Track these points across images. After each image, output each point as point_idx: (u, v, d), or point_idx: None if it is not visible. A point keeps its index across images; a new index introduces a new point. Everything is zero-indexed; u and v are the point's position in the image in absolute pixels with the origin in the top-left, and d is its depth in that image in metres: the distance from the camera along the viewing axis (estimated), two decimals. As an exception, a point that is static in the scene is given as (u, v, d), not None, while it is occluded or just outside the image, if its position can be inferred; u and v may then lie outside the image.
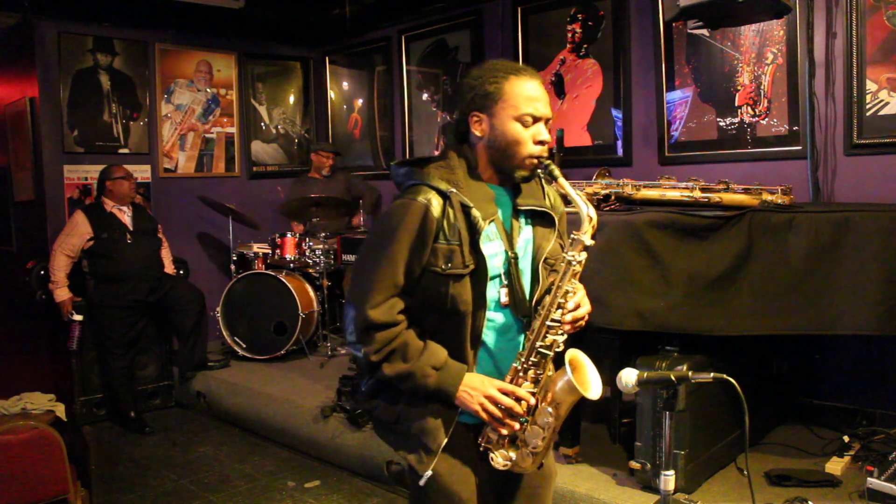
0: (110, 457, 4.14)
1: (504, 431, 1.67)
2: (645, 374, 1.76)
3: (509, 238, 1.72)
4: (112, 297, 4.59)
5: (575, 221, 1.76)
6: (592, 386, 1.68)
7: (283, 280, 5.13)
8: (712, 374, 1.71)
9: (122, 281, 4.61)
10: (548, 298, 1.69)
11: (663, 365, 2.77)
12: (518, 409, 1.66)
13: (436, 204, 1.64)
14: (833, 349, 3.66)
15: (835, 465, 3.01)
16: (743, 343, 2.92)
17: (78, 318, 4.59)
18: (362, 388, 1.80)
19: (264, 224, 5.91)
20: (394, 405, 1.72)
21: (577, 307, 1.72)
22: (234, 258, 5.56)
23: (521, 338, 1.75)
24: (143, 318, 4.75)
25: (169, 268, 5.00)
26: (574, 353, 1.70)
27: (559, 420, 1.68)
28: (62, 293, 4.57)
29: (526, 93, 1.68)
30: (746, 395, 1.68)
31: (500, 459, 1.69)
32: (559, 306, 1.67)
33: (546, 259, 1.76)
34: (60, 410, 3.24)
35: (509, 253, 1.71)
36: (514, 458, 1.69)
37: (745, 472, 2.87)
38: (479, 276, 1.67)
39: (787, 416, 3.61)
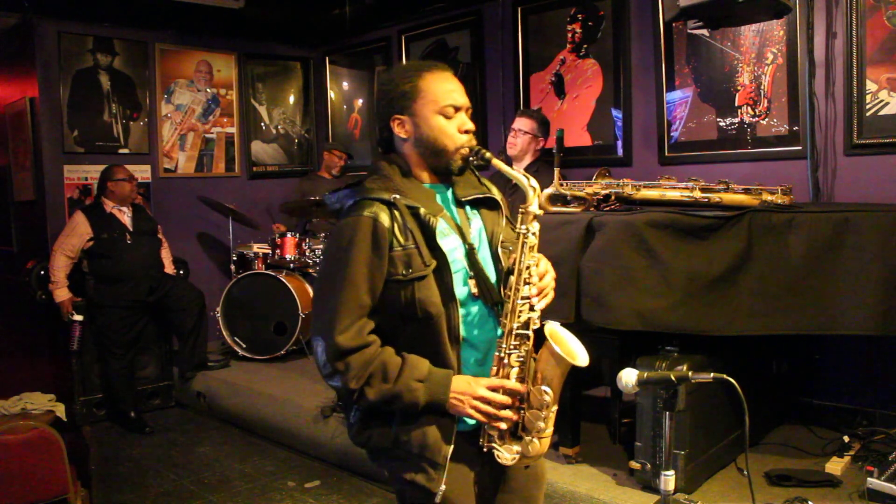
0: (110, 457, 4.15)
1: (503, 426, 1.64)
2: (645, 374, 1.76)
3: (462, 230, 1.71)
4: (112, 297, 4.60)
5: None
6: (578, 353, 1.66)
7: (283, 280, 5.13)
8: (712, 374, 1.71)
9: (122, 281, 4.62)
10: (512, 279, 1.66)
11: (663, 365, 2.76)
12: (510, 401, 1.64)
13: (383, 214, 1.61)
14: (833, 349, 3.66)
15: (835, 465, 3.00)
16: (743, 343, 2.92)
17: (78, 318, 4.60)
18: (350, 422, 1.74)
19: (264, 224, 5.91)
20: (388, 428, 1.66)
21: (542, 277, 1.70)
22: (234, 258, 5.56)
23: (500, 325, 1.72)
24: (143, 318, 4.76)
25: (169, 268, 5.00)
26: (552, 327, 1.68)
27: (555, 396, 1.66)
28: (62, 293, 4.57)
29: (442, 86, 1.69)
30: (746, 395, 1.68)
31: (506, 455, 1.66)
32: (525, 282, 1.65)
33: (503, 243, 1.75)
34: (60, 410, 3.25)
35: (466, 244, 1.70)
36: (519, 450, 1.67)
37: (745, 472, 2.86)
38: (443, 272, 1.64)
39: (787, 416, 3.61)
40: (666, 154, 4.28)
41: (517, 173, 1.69)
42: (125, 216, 4.74)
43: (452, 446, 1.64)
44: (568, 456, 3.16)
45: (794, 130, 3.77)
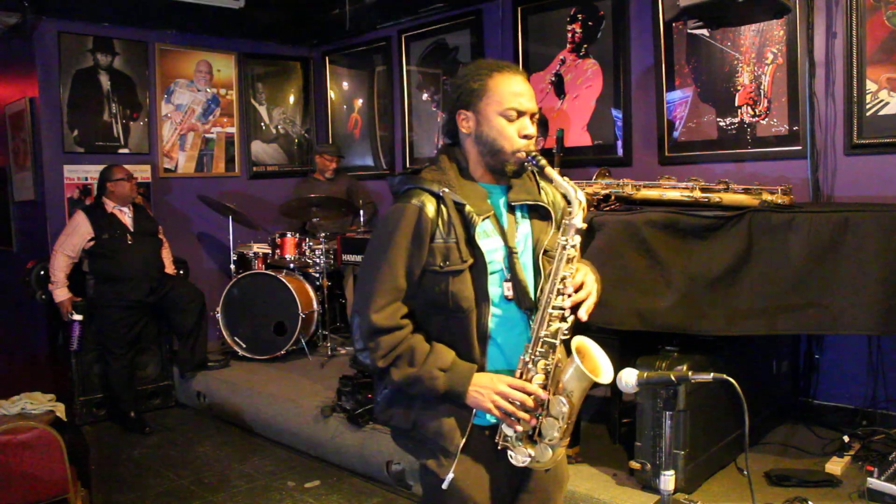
0: (110, 457, 4.15)
1: (519, 427, 1.67)
2: (645, 374, 1.76)
3: (507, 233, 1.74)
4: (112, 297, 4.59)
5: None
6: (604, 370, 1.68)
7: (283, 280, 5.13)
8: (712, 374, 1.70)
9: (123, 281, 4.61)
10: (546, 287, 1.69)
11: (663, 365, 2.77)
12: (530, 402, 1.66)
13: (429, 205, 1.68)
14: (833, 349, 3.67)
15: (835, 465, 3.01)
16: (743, 343, 2.93)
17: (78, 318, 4.60)
18: (378, 399, 1.81)
19: (264, 224, 5.91)
20: (409, 411, 1.73)
21: (578, 289, 1.71)
22: (234, 258, 5.56)
23: (529, 331, 1.75)
24: (143, 318, 4.76)
25: (169, 268, 5.00)
26: (581, 340, 1.70)
27: (574, 408, 1.68)
28: (62, 293, 4.57)
29: (510, 88, 1.71)
30: (746, 395, 1.68)
31: (519, 457, 1.69)
32: (559, 293, 1.68)
33: (546, 251, 1.77)
34: (60, 410, 3.24)
35: (508, 247, 1.72)
36: (533, 454, 1.69)
37: (745, 472, 2.87)
38: (479, 270, 1.69)
39: (787, 416, 3.61)
40: (666, 154, 4.28)
41: (567, 185, 1.71)
42: (126, 216, 4.74)
43: (465, 438, 1.68)
44: (568, 456, 3.14)
45: (794, 130, 3.77)
